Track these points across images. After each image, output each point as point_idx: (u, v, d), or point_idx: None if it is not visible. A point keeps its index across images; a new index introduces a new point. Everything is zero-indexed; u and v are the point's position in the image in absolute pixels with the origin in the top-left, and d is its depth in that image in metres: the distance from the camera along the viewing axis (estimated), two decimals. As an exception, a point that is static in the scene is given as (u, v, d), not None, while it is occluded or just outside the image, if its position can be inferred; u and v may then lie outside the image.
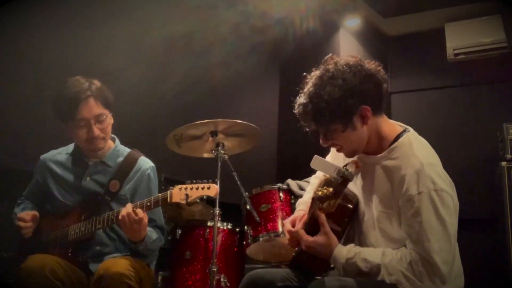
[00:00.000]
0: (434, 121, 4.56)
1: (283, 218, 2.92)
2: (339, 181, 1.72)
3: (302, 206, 2.16)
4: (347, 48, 4.65)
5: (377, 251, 1.80)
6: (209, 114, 2.99)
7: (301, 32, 4.50)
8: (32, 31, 3.06)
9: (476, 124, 4.44)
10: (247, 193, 3.02)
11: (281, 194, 3.03)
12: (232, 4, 4.09)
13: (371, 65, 1.86)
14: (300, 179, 3.19)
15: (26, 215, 2.37)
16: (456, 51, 4.52)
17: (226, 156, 2.96)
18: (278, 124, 4.93)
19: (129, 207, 2.18)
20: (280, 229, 2.90)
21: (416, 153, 1.79)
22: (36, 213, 2.40)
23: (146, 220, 2.19)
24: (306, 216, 2.02)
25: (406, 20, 4.86)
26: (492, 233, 4.03)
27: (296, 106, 1.90)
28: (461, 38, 4.51)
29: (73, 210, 2.40)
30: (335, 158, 2.11)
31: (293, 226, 2.05)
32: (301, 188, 3.08)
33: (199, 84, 3.95)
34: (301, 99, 1.88)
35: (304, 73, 1.93)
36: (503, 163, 3.64)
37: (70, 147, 2.55)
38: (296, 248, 2.02)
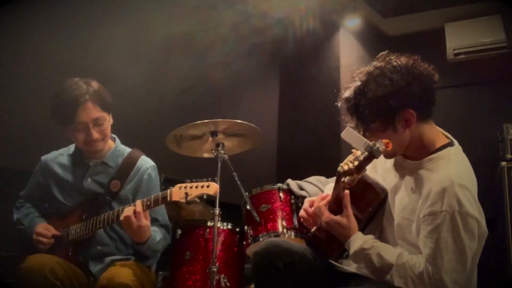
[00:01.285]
0: (434, 121, 4.55)
1: (283, 218, 2.92)
2: (365, 155, 1.68)
3: (329, 191, 2.11)
4: (347, 48, 4.65)
5: (394, 251, 1.79)
6: (209, 114, 2.99)
7: (301, 32, 4.49)
8: (32, 31, 3.06)
9: (476, 124, 4.43)
10: (247, 193, 3.02)
11: (281, 194, 3.02)
12: (232, 4, 4.09)
13: (424, 68, 1.82)
14: (300, 179, 3.18)
15: (46, 231, 2.35)
16: (456, 51, 4.51)
17: (226, 156, 2.96)
18: (278, 124, 4.92)
19: (129, 210, 2.18)
20: (280, 229, 2.90)
21: (450, 170, 1.74)
22: (53, 228, 2.39)
23: (148, 222, 2.20)
24: (329, 196, 1.98)
25: (406, 20, 4.86)
26: (492, 233, 4.02)
27: (339, 100, 1.88)
28: (461, 38, 4.50)
29: (74, 210, 2.40)
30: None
31: (311, 206, 2.03)
32: (301, 188, 3.07)
33: (199, 84, 3.95)
34: (346, 93, 1.85)
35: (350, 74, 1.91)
36: (503, 163, 3.63)
37: (71, 148, 2.55)
38: (314, 227, 2.01)
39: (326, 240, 1.94)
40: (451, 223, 1.66)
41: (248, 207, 2.97)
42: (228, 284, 2.80)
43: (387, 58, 1.83)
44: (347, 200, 1.88)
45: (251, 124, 2.97)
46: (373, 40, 4.89)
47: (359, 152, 1.72)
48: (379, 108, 1.75)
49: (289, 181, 3.15)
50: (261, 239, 2.90)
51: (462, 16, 4.54)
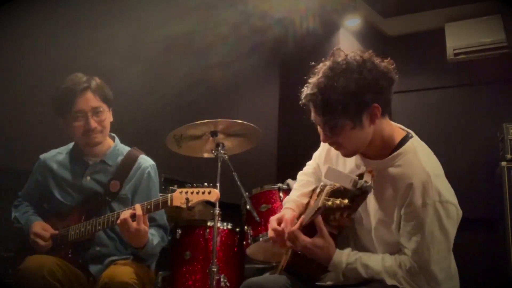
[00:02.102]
0: (434, 121, 4.56)
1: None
2: (357, 193, 1.61)
3: (291, 204, 2.09)
4: (347, 48, 4.58)
5: (377, 257, 1.78)
6: (209, 114, 2.99)
7: (301, 32, 4.50)
8: (32, 31, 3.06)
9: (476, 124, 4.44)
10: (247, 193, 3.02)
11: (281, 194, 3.03)
12: (232, 4, 4.09)
13: (384, 61, 1.76)
14: (300, 179, 3.19)
15: (44, 232, 2.33)
16: (456, 51, 4.52)
17: (226, 156, 2.96)
18: (278, 124, 4.93)
19: (126, 213, 2.16)
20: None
21: (422, 163, 1.73)
22: (51, 228, 2.37)
23: (147, 227, 2.18)
24: (302, 217, 1.92)
25: (406, 20, 4.86)
26: (492, 233, 4.03)
27: (303, 96, 1.77)
28: (461, 38, 4.51)
29: (73, 210, 2.39)
30: (326, 154, 2.06)
31: (279, 224, 1.97)
32: (301, 188, 3.07)
33: (199, 84, 3.95)
34: (309, 89, 1.73)
35: (313, 63, 1.79)
36: (503, 163, 3.64)
37: (70, 146, 2.55)
38: (289, 253, 1.96)
39: (304, 264, 1.88)
40: (434, 214, 1.67)
41: (248, 207, 2.97)
42: (228, 284, 2.80)
43: (344, 54, 1.75)
44: (320, 220, 1.80)
45: (251, 124, 2.97)
46: (373, 40, 4.90)
47: (338, 186, 1.67)
48: (351, 104, 1.67)
49: (289, 181, 3.15)
50: (261, 239, 2.90)
51: (462, 16, 4.54)
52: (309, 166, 2.22)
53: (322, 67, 1.74)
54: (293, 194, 2.16)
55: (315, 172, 2.17)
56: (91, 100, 2.33)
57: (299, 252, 1.86)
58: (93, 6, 3.31)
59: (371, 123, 1.73)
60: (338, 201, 1.62)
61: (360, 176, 1.66)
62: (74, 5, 3.23)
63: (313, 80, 1.74)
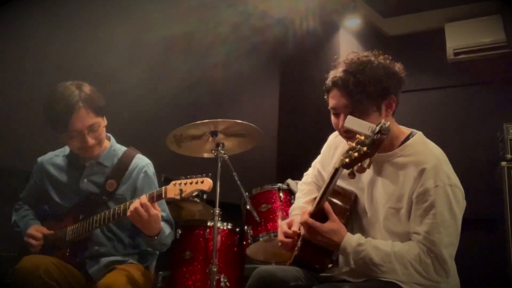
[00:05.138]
0: (434, 121, 4.56)
1: (283, 218, 2.92)
2: (375, 138, 1.59)
3: (297, 211, 2.13)
4: (347, 48, 4.65)
5: (386, 241, 1.81)
6: (209, 114, 2.99)
7: (301, 32, 4.50)
8: (32, 31, 3.06)
9: (476, 124, 4.44)
10: (247, 193, 3.02)
11: (281, 194, 3.03)
12: (232, 4, 4.09)
13: (397, 63, 1.90)
14: (300, 179, 3.18)
15: (37, 233, 2.35)
16: (456, 51, 4.52)
17: (226, 156, 2.96)
18: (278, 124, 4.93)
19: (136, 203, 2.16)
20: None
21: (432, 150, 1.84)
22: (45, 229, 2.39)
23: (158, 212, 2.19)
24: (310, 208, 1.96)
25: (406, 20, 4.86)
26: (492, 233, 4.03)
27: (331, 78, 1.87)
28: (461, 38, 4.51)
29: (70, 211, 2.40)
30: (327, 158, 2.12)
31: (290, 228, 2.02)
32: (301, 188, 3.08)
33: (199, 84, 3.95)
34: (338, 72, 1.85)
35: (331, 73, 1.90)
36: (503, 163, 3.64)
37: (67, 149, 2.54)
38: (295, 249, 1.99)
39: (313, 255, 1.91)
40: (444, 196, 1.73)
41: (248, 207, 2.97)
42: (228, 284, 2.80)
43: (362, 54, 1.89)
44: (329, 206, 1.87)
45: (251, 124, 2.97)
46: (373, 40, 4.89)
47: (354, 143, 1.65)
48: (378, 87, 1.79)
49: (289, 181, 3.16)
50: (261, 239, 2.90)
51: (462, 16, 4.54)
52: (308, 175, 2.30)
53: (345, 60, 1.86)
54: (297, 202, 2.22)
55: (315, 180, 2.24)
56: (85, 118, 2.28)
57: (309, 243, 1.89)
58: (93, 6, 3.31)
59: (387, 113, 1.85)
60: (356, 154, 1.63)
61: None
62: (74, 5, 3.23)
63: (339, 67, 1.85)
